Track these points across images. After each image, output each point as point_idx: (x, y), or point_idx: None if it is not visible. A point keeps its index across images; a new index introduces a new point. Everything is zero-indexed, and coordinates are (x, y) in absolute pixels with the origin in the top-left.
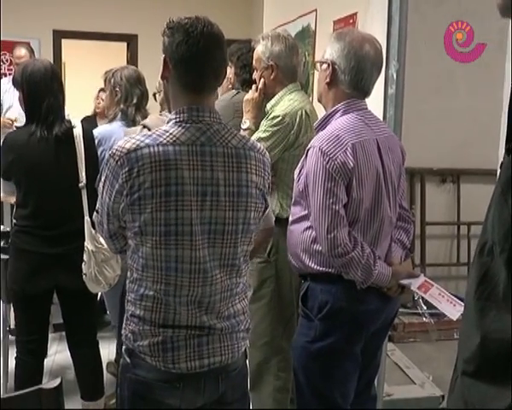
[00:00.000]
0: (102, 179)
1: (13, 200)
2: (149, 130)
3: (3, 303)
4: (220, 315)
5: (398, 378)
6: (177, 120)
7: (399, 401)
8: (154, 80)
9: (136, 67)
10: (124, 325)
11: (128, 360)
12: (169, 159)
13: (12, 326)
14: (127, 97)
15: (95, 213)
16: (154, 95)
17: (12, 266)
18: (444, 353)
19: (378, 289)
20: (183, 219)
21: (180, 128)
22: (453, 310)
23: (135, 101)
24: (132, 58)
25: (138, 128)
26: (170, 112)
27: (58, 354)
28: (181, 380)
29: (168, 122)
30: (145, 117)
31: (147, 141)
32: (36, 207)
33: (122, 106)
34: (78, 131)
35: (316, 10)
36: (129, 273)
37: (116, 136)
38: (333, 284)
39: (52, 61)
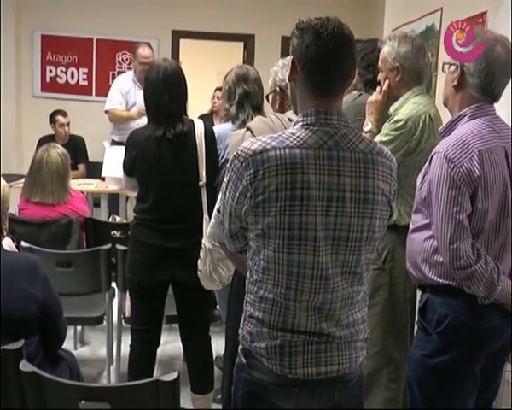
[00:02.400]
0: (226, 180)
1: (134, 194)
2: (252, 132)
3: (119, 292)
4: (340, 323)
5: None
6: (305, 122)
7: None
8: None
9: (252, 67)
10: (241, 326)
11: (244, 360)
12: (295, 162)
13: (127, 315)
14: (230, 96)
15: (216, 212)
16: (267, 96)
17: (130, 257)
18: None
19: (501, 307)
20: (308, 224)
21: (307, 131)
22: None
23: (237, 99)
24: (248, 58)
25: (242, 131)
26: (296, 114)
27: (168, 344)
28: (296, 386)
29: (295, 125)
30: (249, 117)
31: (273, 143)
32: (155, 202)
33: (226, 104)
34: (200, 130)
35: (441, 9)
36: (248, 274)
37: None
38: (453, 297)
39: None
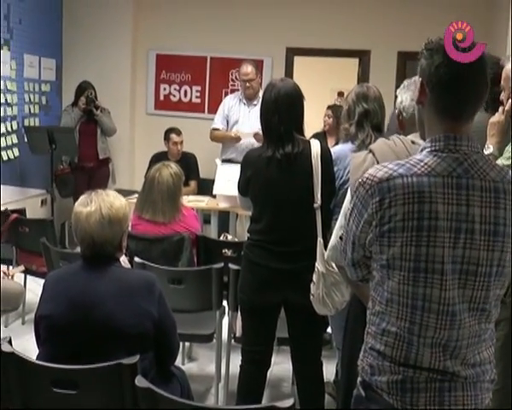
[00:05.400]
0: (350, 207)
1: (246, 213)
2: (374, 155)
3: (230, 311)
4: (465, 362)
5: None
6: (433, 148)
7: None
8: (385, 97)
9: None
10: (361, 357)
11: (363, 392)
12: (423, 191)
13: (237, 334)
14: (350, 115)
15: (337, 239)
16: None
17: (242, 277)
18: None
19: None
20: (435, 256)
21: (435, 158)
22: None
23: (356, 118)
24: (363, 74)
25: (364, 153)
26: (423, 139)
27: (276, 365)
28: None
29: (422, 151)
30: (368, 136)
31: (400, 171)
32: (269, 223)
33: (346, 124)
34: (316, 151)
35: None
36: (371, 305)
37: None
38: None
39: None
